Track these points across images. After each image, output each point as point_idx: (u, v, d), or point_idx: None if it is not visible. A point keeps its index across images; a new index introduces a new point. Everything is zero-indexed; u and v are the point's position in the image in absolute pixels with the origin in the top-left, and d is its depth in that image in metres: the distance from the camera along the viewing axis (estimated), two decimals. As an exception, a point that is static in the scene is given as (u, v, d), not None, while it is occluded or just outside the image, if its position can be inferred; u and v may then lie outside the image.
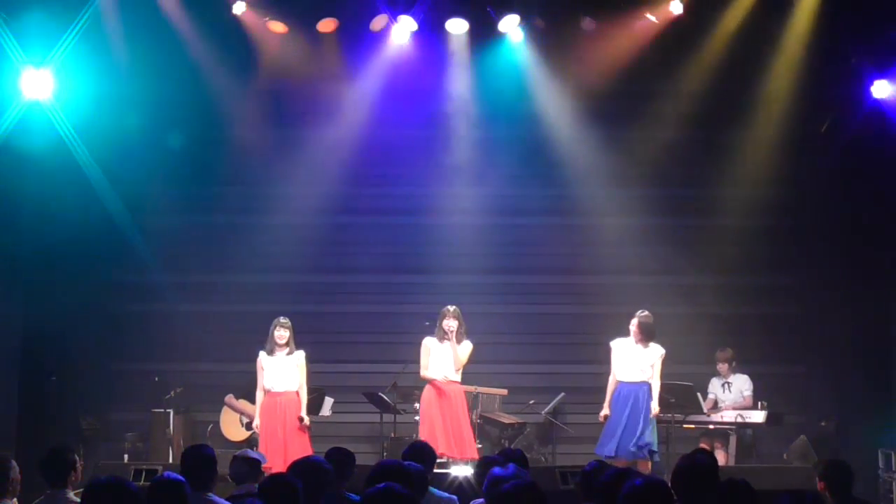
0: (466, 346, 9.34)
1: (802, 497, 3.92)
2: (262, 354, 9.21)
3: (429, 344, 9.36)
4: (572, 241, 11.24)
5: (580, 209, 11.12)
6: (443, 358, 9.28)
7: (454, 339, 9.25)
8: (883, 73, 9.67)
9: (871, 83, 9.69)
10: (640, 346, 9.13)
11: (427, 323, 9.69)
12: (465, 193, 11.17)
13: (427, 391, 9.34)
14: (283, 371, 9.13)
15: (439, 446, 8.81)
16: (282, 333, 9.13)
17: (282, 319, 9.22)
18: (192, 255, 10.97)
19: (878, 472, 9.50)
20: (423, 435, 8.99)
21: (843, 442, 9.87)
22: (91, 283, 10.67)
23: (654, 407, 9.06)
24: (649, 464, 9.05)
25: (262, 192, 11.16)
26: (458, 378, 9.33)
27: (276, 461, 8.21)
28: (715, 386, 10.31)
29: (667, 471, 8.82)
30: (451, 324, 9.25)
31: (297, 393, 9.20)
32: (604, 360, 9.47)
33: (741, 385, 10.20)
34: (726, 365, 10.26)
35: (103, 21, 9.65)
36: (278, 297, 10.74)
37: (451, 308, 9.35)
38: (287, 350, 9.15)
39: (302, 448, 8.83)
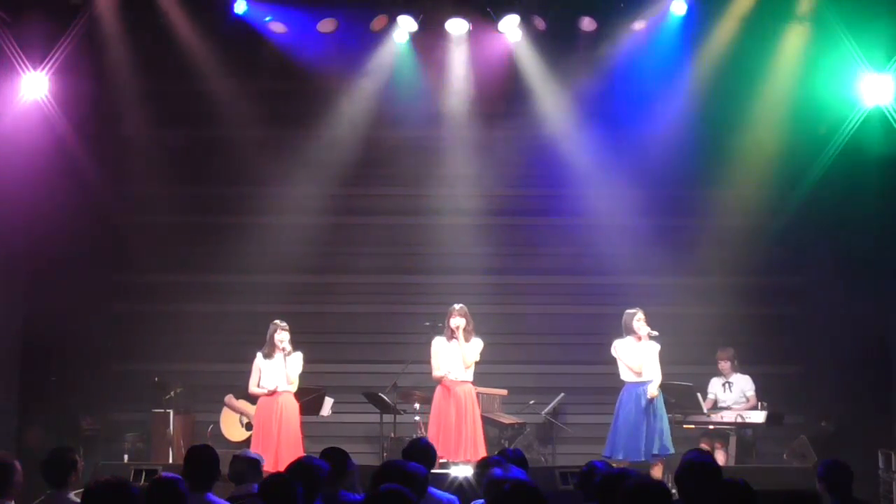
0: (476, 344, 9.31)
1: (802, 497, 3.93)
2: (260, 356, 9.23)
3: (437, 344, 9.36)
4: (573, 241, 11.23)
5: (580, 209, 11.13)
6: (451, 357, 9.27)
7: (461, 337, 9.24)
8: (882, 73, 9.66)
9: (872, 83, 9.69)
10: (643, 342, 9.16)
11: (427, 323, 9.70)
12: (465, 193, 11.18)
13: (437, 391, 9.35)
14: (281, 371, 9.14)
15: (446, 451, 8.82)
16: (282, 337, 9.15)
17: (280, 322, 9.22)
18: (193, 255, 10.97)
19: (878, 472, 9.49)
20: (429, 435, 8.97)
21: (843, 442, 9.86)
22: (91, 283, 10.68)
23: (654, 393, 9.12)
24: (660, 465, 9.07)
25: (262, 192, 11.16)
26: (469, 377, 9.31)
27: (268, 461, 8.20)
28: (715, 386, 10.30)
29: (668, 471, 8.85)
30: (457, 322, 9.24)
31: (295, 394, 9.23)
32: (604, 360, 9.47)
33: (744, 386, 10.20)
34: (728, 364, 10.26)
35: (101, 20, 9.67)
36: (278, 297, 10.76)
37: (458, 306, 9.35)
38: (290, 349, 9.16)
39: (295, 449, 8.86)
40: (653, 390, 9.09)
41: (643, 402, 9.13)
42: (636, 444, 9.03)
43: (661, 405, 9.23)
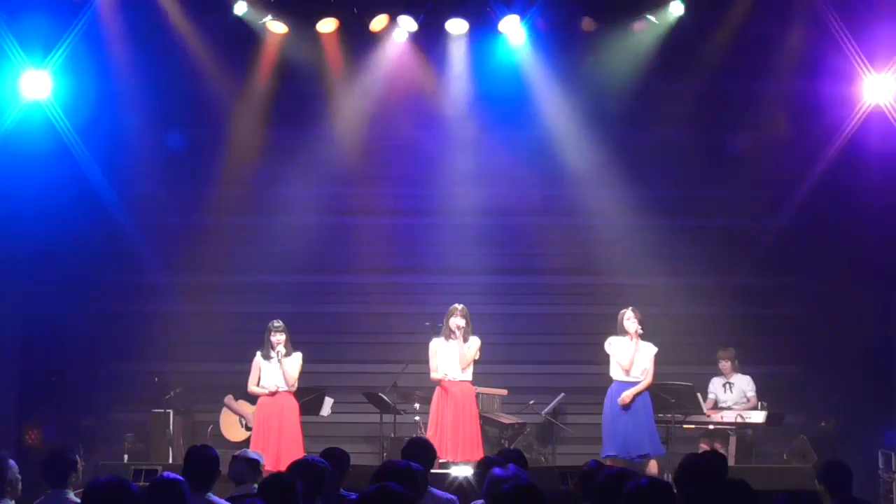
0: (474, 343, 9.28)
1: (801, 497, 3.93)
2: (259, 356, 9.26)
3: (435, 345, 9.33)
4: (572, 241, 11.23)
5: (580, 209, 11.13)
6: (449, 357, 9.26)
7: (461, 337, 9.23)
8: (881, 73, 9.68)
9: (870, 83, 9.70)
10: (637, 343, 9.15)
11: (427, 324, 9.69)
12: (465, 194, 11.17)
13: (436, 392, 9.34)
14: (280, 373, 9.15)
15: (444, 451, 8.82)
16: (278, 338, 9.16)
17: (275, 323, 9.24)
18: (192, 255, 10.97)
19: (878, 473, 9.49)
20: (428, 435, 8.96)
21: (843, 442, 9.86)
22: (91, 283, 10.68)
23: (625, 398, 9.05)
24: (655, 463, 9.06)
25: (262, 192, 11.17)
26: (467, 377, 9.28)
27: (268, 460, 8.20)
28: (716, 386, 10.30)
29: (668, 471, 8.84)
30: (458, 322, 9.23)
31: (294, 394, 9.24)
32: (604, 360, 9.46)
33: (744, 386, 10.20)
34: (729, 364, 10.26)
35: (102, 22, 9.68)
36: (278, 297, 10.75)
37: (459, 306, 9.33)
38: (284, 351, 9.17)
39: (295, 449, 8.88)
40: (624, 399, 9.06)
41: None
42: (629, 441, 9.00)
43: (647, 408, 9.17)
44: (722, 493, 4.17)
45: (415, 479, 4.76)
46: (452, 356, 9.25)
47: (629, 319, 9.20)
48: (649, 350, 9.20)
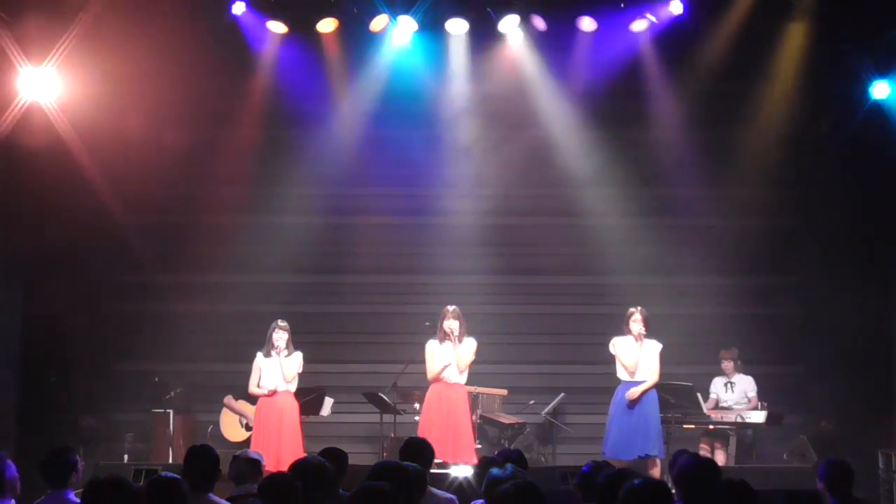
0: (470, 345, 9.24)
1: (801, 497, 3.93)
2: (260, 355, 9.26)
3: (431, 347, 9.26)
4: (572, 241, 11.24)
5: (580, 209, 11.13)
6: (445, 360, 9.22)
7: (455, 340, 9.21)
8: (882, 74, 9.68)
9: (871, 83, 9.70)
10: (641, 342, 9.14)
11: (427, 324, 9.67)
12: (464, 193, 11.18)
13: (429, 393, 9.30)
14: (280, 372, 9.15)
15: (439, 452, 8.77)
16: (280, 335, 9.16)
17: (280, 322, 9.25)
18: (192, 255, 10.97)
19: (878, 472, 9.49)
20: (421, 435, 8.93)
21: (843, 442, 9.86)
22: (91, 283, 10.68)
23: (632, 393, 9.04)
24: (658, 463, 9.05)
25: (262, 192, 11.17)
26: (462, 379, 9.25)
27: (269, 460, 8.21)
28: (717, 385, 10.30)
29: (667, 471, 8.84)
30: (451, 324, 9.19)
31: (294, 394, 9.24)
32: (604, 360, 9.46)
33: (746, 386, 10.20)
34: (731, 364, 10.25)
35: (102, 21, 9.67)
36: (278, 297, 10.76)
37: (451, 308, 9.29)
38: (286, 352, 9.17)
39: (295, 449, 8.87)
40: (632, 394, 9.05)
41: (636, 403, 9.08)
42: (624, 443, 8.99)
43: (649, 407, 9.15)
44: (722, 493, 4.18)
45: (407, 478, 4.75)
46: (449, 359, 9.20)
47: (635, 321, 9.15)
48: (654, 347, 9.18)
